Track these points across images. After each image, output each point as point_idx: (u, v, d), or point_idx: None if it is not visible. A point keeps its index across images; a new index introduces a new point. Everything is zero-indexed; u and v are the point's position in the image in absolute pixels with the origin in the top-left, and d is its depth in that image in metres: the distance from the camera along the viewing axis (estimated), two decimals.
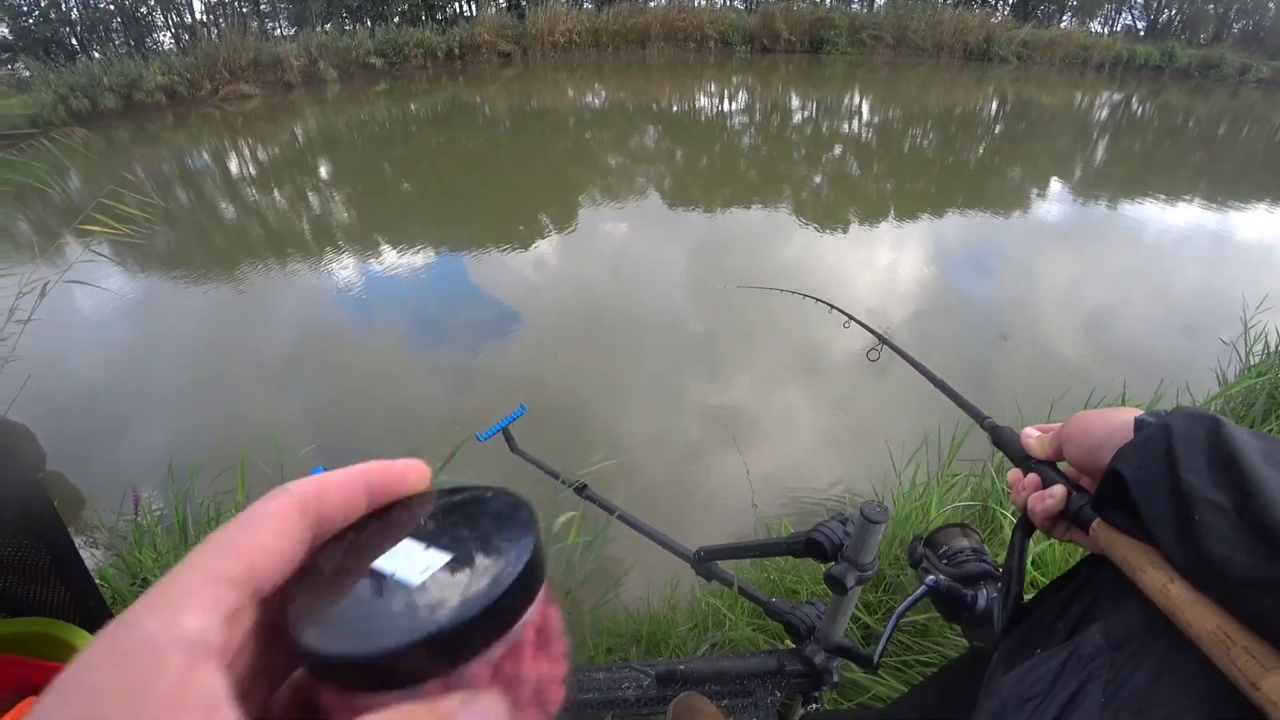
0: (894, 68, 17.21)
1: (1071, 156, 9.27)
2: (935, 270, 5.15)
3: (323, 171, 8.79)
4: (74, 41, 17.07)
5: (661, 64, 17.14)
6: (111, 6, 17.32)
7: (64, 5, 16.73)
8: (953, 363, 3.74)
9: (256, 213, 7.24)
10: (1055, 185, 7.69)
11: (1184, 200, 6.92)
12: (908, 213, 6.41)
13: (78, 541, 2.32)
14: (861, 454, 2.95)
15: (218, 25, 17.20)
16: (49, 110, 10.69)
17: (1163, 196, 6.96)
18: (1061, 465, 0.61)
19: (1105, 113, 12.87)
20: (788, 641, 1.29)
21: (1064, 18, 23.10)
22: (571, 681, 0.22)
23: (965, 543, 0.78)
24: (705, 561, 1.33)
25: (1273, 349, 2.86)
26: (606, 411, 3.37)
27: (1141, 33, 22.25)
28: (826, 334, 3.98)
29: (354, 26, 17.84)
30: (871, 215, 6.41)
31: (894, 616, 0.74)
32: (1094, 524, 0.52)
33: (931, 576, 0.73)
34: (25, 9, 16.23)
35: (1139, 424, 0.51)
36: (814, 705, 1.19)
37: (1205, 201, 6.91)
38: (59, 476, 2.99)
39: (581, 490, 1.60)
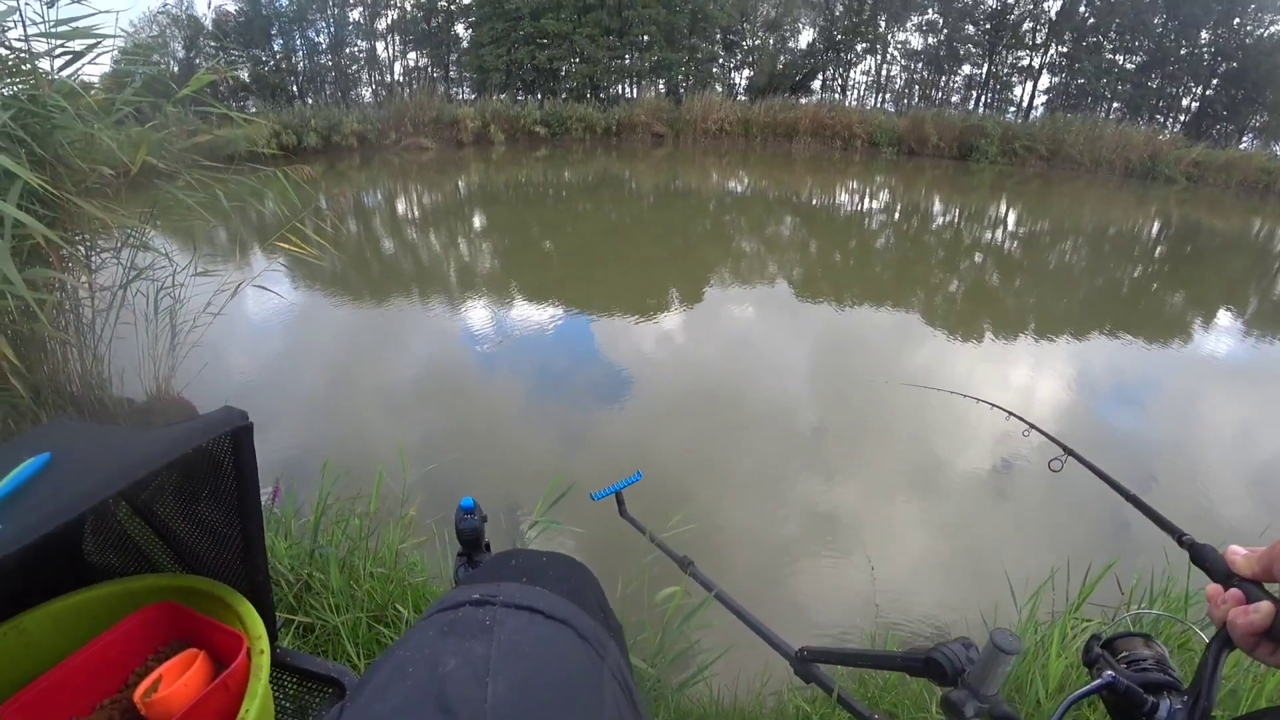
0: (1046, 180, 16.54)
1: (1245, 285, 8.41)
2: (1075, 396, 4.75)
3: (476, 222, 9.56)
4: (294, 88, 19.88)
5: (807, 158, 17.50)
6: (329, 63, 20.11)
7: (293, 59, 19.63)
8: (1094, 505, 3.39)
9: (412, 250, 7.96)
10: (1224, 317, 6.96)
11: None
12: (1048, 330, 6.02)
13: None
14: (972, 581, 2.71)
15: (410, 86, 19.49)
16: (264, 142, 12.42)
17: None
18: (1271, 588, 0.56)
19: None
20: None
21: (1244, 138, 21.39)
22: None
23: (1148, 653, 0.73)
24: (807, 662, 1.26)
25: None
26: (713, 492, 3.32)
27: None
28: (952, 447, 3.75)
29: (525, 98, 19.64)
30: (1008, 329, 6.08)
31: (1065, 702, 0.69)
32: None
33: (1110, 672, 0.68)
34: (264, 59, 19.18)
35: None
36: None
37: None
38: None
39: (687, 566, 1.57)
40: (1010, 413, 1.48)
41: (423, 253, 7.88)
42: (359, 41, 21.33)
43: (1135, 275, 8.82)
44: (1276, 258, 10.37)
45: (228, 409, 0.70)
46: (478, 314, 5.57)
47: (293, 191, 3.39)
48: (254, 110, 15.75)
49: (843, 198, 13.21)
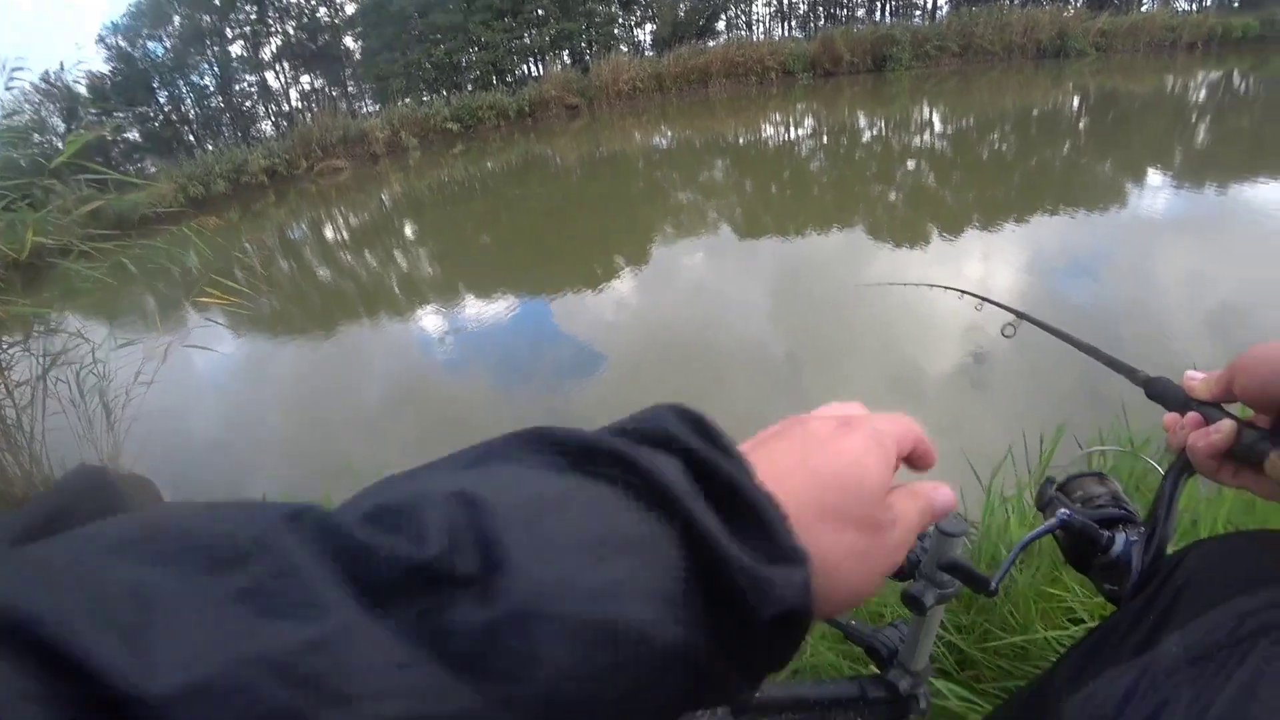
0: (963, 76, 16.68)
1: (1169, 143, 8.58)
2: (1033, 279, 4.81)
3: (409, 232, 9.32)
4: (191, 137, 19.06)
5: (725, 99, 17.36)
6: (222, 105, 19.28)
7: (182, 107, 18.78)
8: (1062, 377, 3.45)
9: (350, 274, 7.73)
10: (1154, 175, 7.09)
11: None
12: (993, 221, 6.08)
13: None
14: (945, 469, 2.74)
15: (311, 110, 18.80)
16: (170, 199, 11.91)
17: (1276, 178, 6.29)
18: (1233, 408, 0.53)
19: (1203, 94, 11.91)
20: (871, 667, 1.18)
21: (1143, 0, 21.78)
22: None
23: (1102, 490, 0.70)
24: None
25: None
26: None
27: (1236, 3, 20.59)
28: (920, 345, 3.78)
29: (431, 97, 19.09)
30: (954, 227, 6.12)
31: (1018, 546, 0.67)
32: (1271, 456, 0.45)
33: (1065, 510, 0.65)
34: (151, 114, 18.31)
35: None
36: None
37: None
38: None
39: None
40: (963, 290, 1.45)
41: (361, 273, 7.66)
42: (247, 76, 20.45)
43: (1065, 151, 8.95)
44: (1193, 109, 10.59)
45: (80, 468, 0.62)
46: (430, 321, 5.44)
47: (202, 245, 3.23)
48: (153, 169, 15.07)
49: (769, 131, 13.15)
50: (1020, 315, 1.15)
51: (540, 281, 6.08)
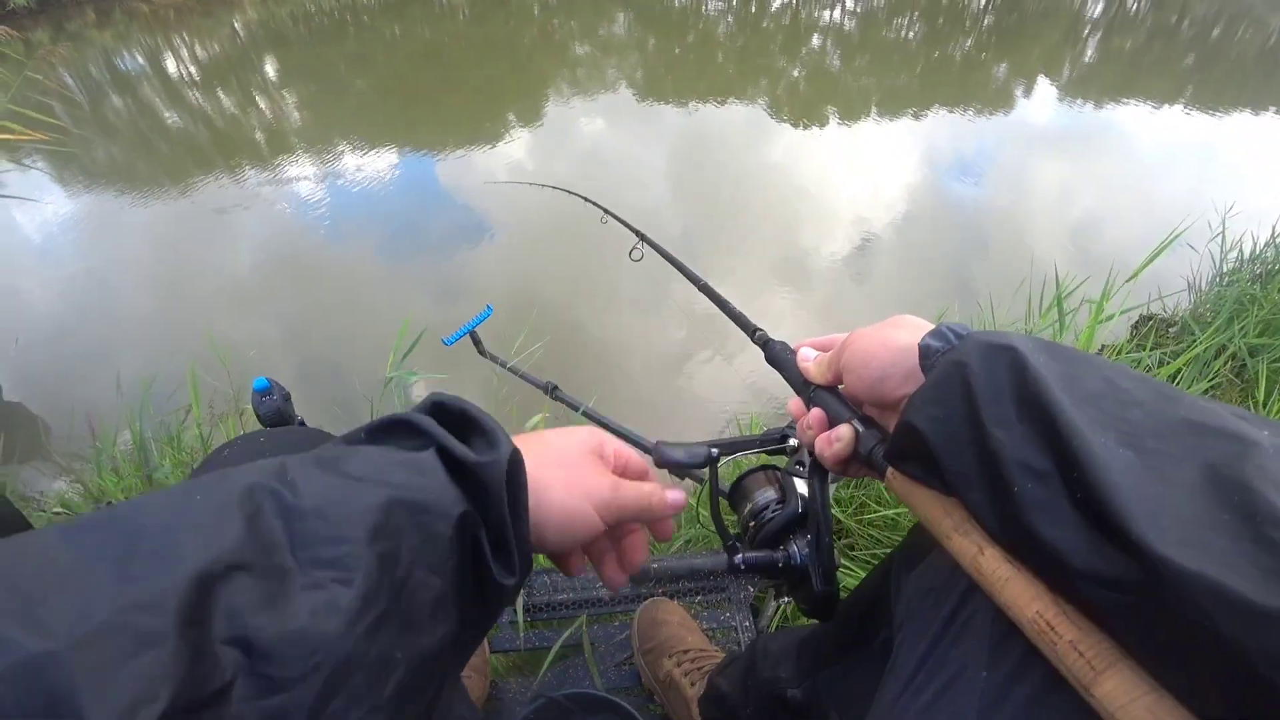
0: None
1: (1061, 54, 8.84)
2: (919, 173, 4.96)
3: (270, 72, 8.19)
4: None
5: None
6: None
7: None
8: (937, 270, 3.68)
9: (204, 118, 6.77)
10: (1043, 85, 7.31)
11: (1171, 104, 6.66)
12: (889, 111, 6.15)
13: (45, 470, 2.28)
14: None
15: None
16: None
17: (1148, 101, 6.69)
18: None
19: (1100, 8, 12.20)
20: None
21: None
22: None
23: (771, 494, 0.69)
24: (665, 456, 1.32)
25: (1246, 256, 2.82)
26: (584, 318, 3.31)
27: None
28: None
29: None
30: (851, 113, 6.14)
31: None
32: (888, 474, 0.46)
33: (739, 556, 0.64)
34: None
35: (925, 352, 0.45)
36: (787, 599, 1.22)
37: (1191, 106, 6.67)
38: (18, 406, 2.91)
39: (552, 390, 1.57)
40: (588, 199, 1.57)
41: (217, 120, 6.71)
42: None
43: (967, 47, 9.00)
44: (1089, 24, 10.79)
45: None
46: (302, 179, 4.93)
47: None
48: None
49: None
50: (645, 239, 1.23)
51: (424, 137, 5.62)
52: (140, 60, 8.93)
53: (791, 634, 0.83)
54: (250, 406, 1.64)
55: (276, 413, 1.03)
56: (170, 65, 8.67)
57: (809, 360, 0.57)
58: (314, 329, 3.33)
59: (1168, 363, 1.81)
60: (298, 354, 3.13)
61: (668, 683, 1.09)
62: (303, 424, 1.10)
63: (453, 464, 0.36)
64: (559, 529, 0.42)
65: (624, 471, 0.49)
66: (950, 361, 0.40)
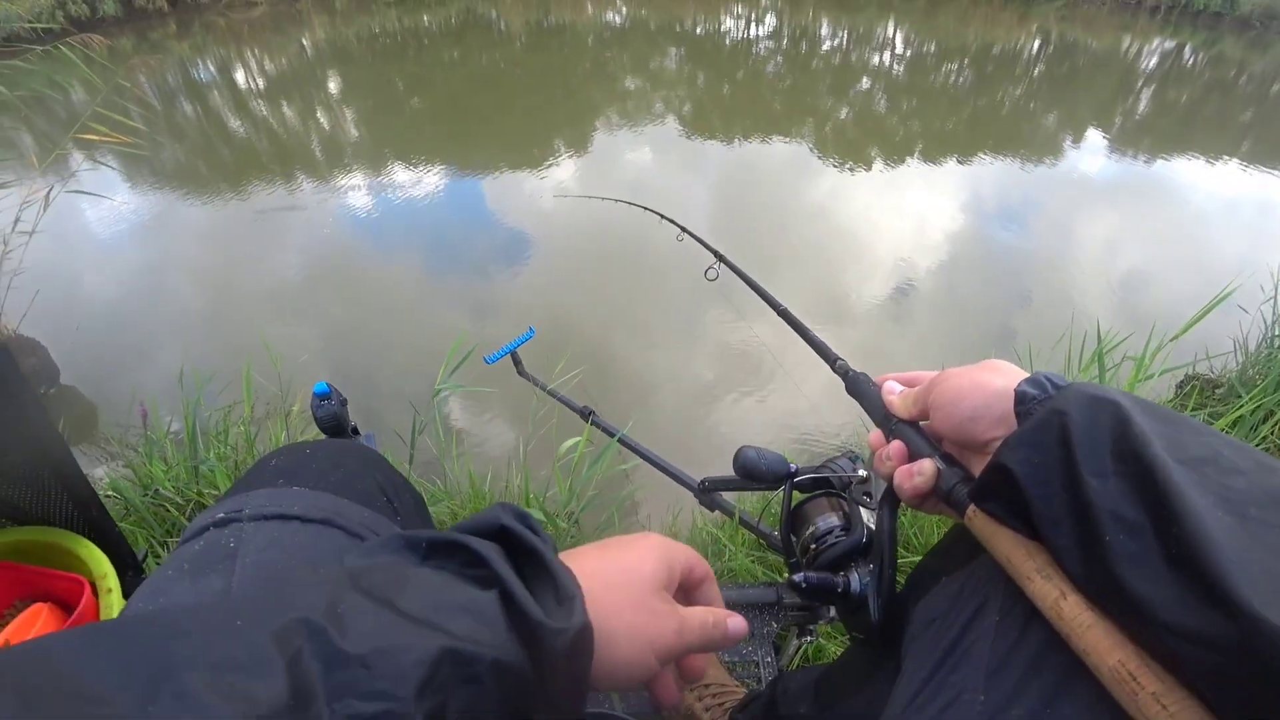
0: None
1: (1113, 106, 8.77)
2: (963, 218, 4.93)
3: (332, 86, 8.53)
4: None
5: None
6: None
7: None
8: (978, 317, 3.64)
9: (266, 127, 7.08)
10: (1093, 135, 7.25)
11: (1224, 160, 6.53)
12: (934, 155, 6.15)
13: (93, 454, 2.37)
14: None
15: None
16: (47, 15, 10.33)
17: (1202, 155, 6.57)
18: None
19: (1154, 61, 12.10)
20: (786, 574, 1.31)
21: None
22: None
23: (834, 519, 0.69)
24: (708, 491, 1.33)
25: None
26: (624, 343, 3.35)
27: None
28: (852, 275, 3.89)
29: None
30: (896, 155, 6.16)
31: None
32: (969, 510, 0.45)
33: (800, 575, 0.64)
34: None
35: (1021, 397, 0.44)
36: (809, 638, 1.21)
37: (1246, 163, 6.54)
38: (73, 391, 3.03)
39: (588, 415, 1.59)
40: (662, 216, 1.56)
41: (278, 129, 7.02)
42: None
43: (1016, 95, 8.98)
44: (1142, 76, 10.70)
45: None
46: (354, 190, 5.11)
47: (87, 71, 2.85)
48: None
49: (728, 24, 12.51)
50: (722, 259, 1.24)
51: (474, 157, 5.78)
52: (212, 70, 9.38)
53: (810, 671, 0.83)
54: (296, 408, 1.70)
55: (333, 417, 1.07)
56: (240, 76, 9.09)
57: (894, 393, 0.57)
58: (360, 337, 3.42)
59: (1211, 424, 1.76)
60: (344, 360, 3.22)
61: (688, 715, 1.09)
62: (355, 430, 1.14)
63: (515, 612, 0.34)
64: (613, 679, 0.40)
65: (688, 579, 0.47)
66: (1050, 409, 0.40)
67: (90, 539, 0.74)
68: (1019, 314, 3.73)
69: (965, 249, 4.41)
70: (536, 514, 1.50)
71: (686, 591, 0.47)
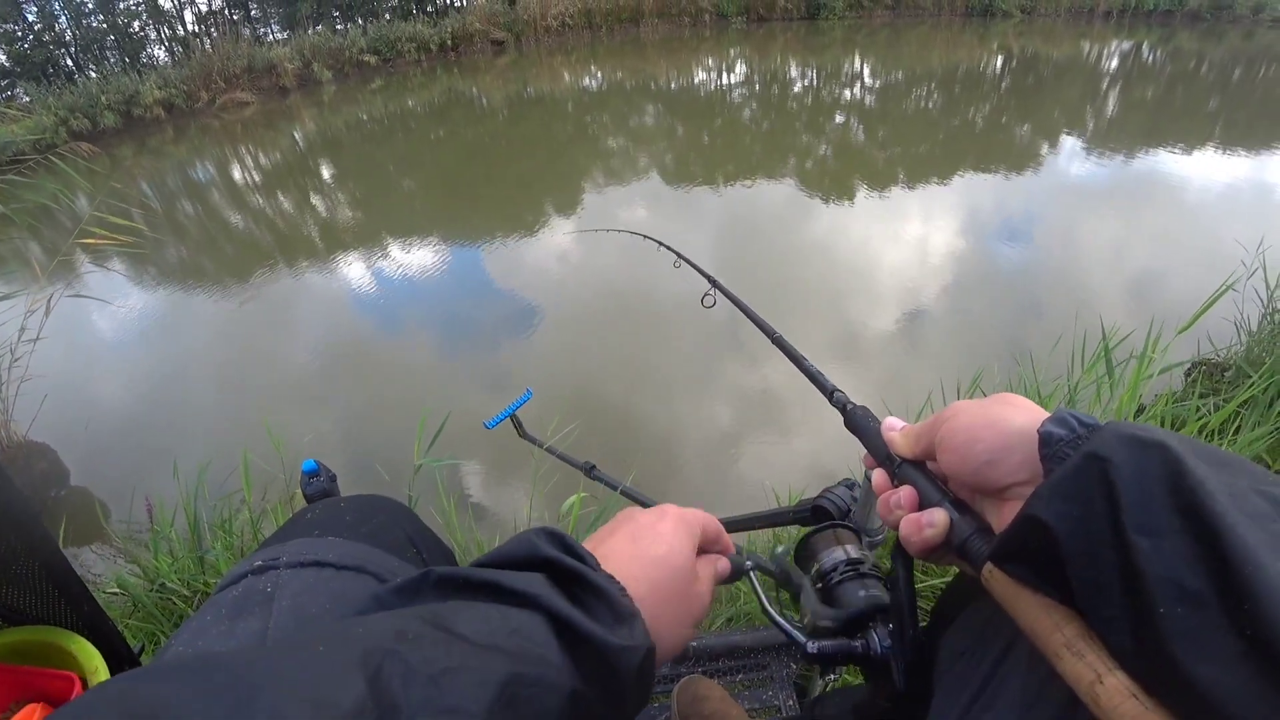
0: (894, 29, 16.79)
1: (1082, 109, 8.99)
2: (961, 237, 4.98)
3: (325, 174, 8.81)
4: (69, 62, 17.19)
5: (657, 41, 16.90)
6: (104, 25, 17.39)
7: (56, 27, 16.83)
8: (990, 335, 3.63)
9: (264, 219, 7.28)
10: (1069, 140, 7.41)
11: (1200, 148, 6.67)
12: (918, 178, 6.27)
13: (104, 552, 2.36)
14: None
15: (209, 35, 17.20)
16: (50, 133, 10.79)
17: (1178, 146, 6.72)
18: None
19: (1115, 62, 12.47)
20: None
21: None
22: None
23: (839, 554, 0.63)
24: None
25: None
26: (629, 399, 3.35)
27: None
28: (864, 304, 3.90)
29: (345, 26, 17.77)
30: (880, 184, 6.27)
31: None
32: (986, 569, 0.40)
33: (813, 644, 0.57)
34: (20, 34, 16.34)
35: (1047, 439, 0.39)
36: (832, 676, 1.17)
37: (1221, 147, 6.66)
38: (83, 491, 3.04)
39: (590, 471, 1.58)
40: (661, 243, 1.56)
41: (277, 220, 7.22)
42: None
43: (987, 111, 9.22)
44: (1106, 78, 11.01)
45: None
46: (356, 274, 5.20)
47: (80, 179, 2.95)
48: (26, 99, 13.54)
49: (701, 76, 12.95)
50: (716, 285, 1.24)
51: (469, 230, 5.92)
52: (210, 169, 9.72)
53: (848, 695, 0.80)
54: (298, 492, 1.69)
55: (323, 493, 1.07)
56: (236, 173, 9.40)
57: (895, 430, 0.52)
58: (363, 415, 3.43)
59: (1222, 406, 1.73)
60: (348, 436, 3.23)
61: None
62: None
63: (570, 635, 0.35)
64: (665, 657, 0.43)
65: (705, 542, 0.51)
66: (1087, 454, 0.35)
67: (85, 635, 0.73)
68: (1032, 325, 3.71)
69: (967, 268, 4.45)
70: None
71: (703, 549, 0.51)
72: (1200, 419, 1.67)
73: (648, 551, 0.45)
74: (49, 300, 2.93)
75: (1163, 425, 1.66)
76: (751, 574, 0.72)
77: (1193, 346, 2.51)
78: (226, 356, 4.23)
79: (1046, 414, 0.41)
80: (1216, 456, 0.34)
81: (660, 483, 2.66)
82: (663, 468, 2.77)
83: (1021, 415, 0.42)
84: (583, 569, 0.38)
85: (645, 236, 1.73)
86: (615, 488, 1.53)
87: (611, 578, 0.39)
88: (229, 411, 3.56)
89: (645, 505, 1.47)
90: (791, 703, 1.20)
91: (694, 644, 1.23)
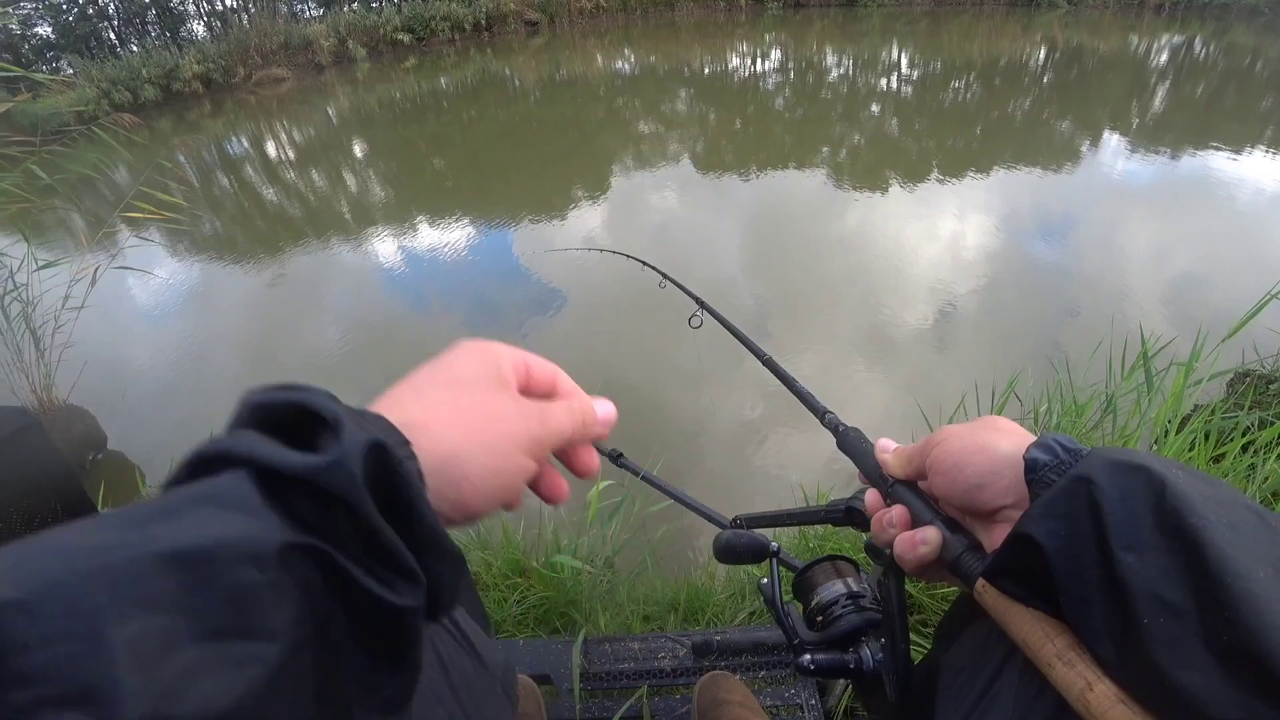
0: (934, 18, 16.39)
1: (1127, 106, 8.69)
2: (996, 234, 4.85)
3: (358, 151, 8.89)
4: (113, 36, 17.50)
5: (692, 25, 16.72)
6: None
7: (100, 0, 17.11)
8: (1023, 338, 3.55)
9: (297, 195, 7.38)
10: (1113, 138, 7.15)
11: (1250, 150, 6.41)
12: (953, 173, 6.14)
13: None
14: (910, 423, 2.87)
15: (248, 10, 17.36)
16: (94, 105, 11.01)
17: (1227, 146, 6.47)
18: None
19: (1164, 57, 12.04)
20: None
21: None
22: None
23: (839, 587, 0.63)
24: (741, 529, 1.31)
25: None
26: (655, 388, 3.35)
27: None
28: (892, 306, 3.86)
29: (380, 4, 17.84)
30: (914, 177, 6.15)
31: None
32: (978, 585, 0.42)
33: (806, 657, 0.59)
34: (64, 6, 16.66)
35: (1032, 465, 0.41)
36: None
37: (1272, 150, 6.40)
38: (119, 455, 3.13)
39: (617, 458, 1.59)
40: (645, 263, 1.53)
41: (309, 196, 7.31)
42: None
43: (1027, 106, 8.97)
44: (1154, 74, 10.63)
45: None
46: (386, 251, 5.25)
47: (123, 150, 3.01)
48: (71, 71, 13.83)
49: (734, 62, 12.79)
50: (704, 306, 1.21)
51: (498, 210, 5.93)
52: (245, 144, 9.86)
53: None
54: None
55: None
56: (270, 148, 9.52)
57: (888, 451, 0.54)
58: (382, 386, 3.47)
59: (1271, 424, 1.68)
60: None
61: None
62: None
63: (272, 479, 0.27)
64: (488, 495, 0.34)
65: (528, 385, 0.41)
66: (1075, 477, 0.37)
67: None
68: (1068, 327, 3.61)
69: (1003, 266, 4.33)
70: (569, 561, 1.48)
71: (537, 398, 0.40)
72: (1248, 436, 1.62)
73: (424, 377, 0.38)
74: (95, 271, 3.00)
75: (1206, 439, 1.61)
76: (774, 561, 0.72)
77: (1235, 356, 2.44)
78: (257, 329, 4.31)
79: (1033, 438, 0.44)
80: (1201, 476, 0.36)
81: (684, 473, 2.66)
82: (687, 461, 2.77)
83: (1009, 441, 0.45)
84: (296, 395, 0.31)
85: (629, 256, 1.71)
86: (638, 473, 1.53)
87: (332, 400, 0.31)
88: (261, 381, 3.62)
89: (669, 493, 1.48)
90: (814, 701, 1.20)
91: (717, 637, 1.23)
